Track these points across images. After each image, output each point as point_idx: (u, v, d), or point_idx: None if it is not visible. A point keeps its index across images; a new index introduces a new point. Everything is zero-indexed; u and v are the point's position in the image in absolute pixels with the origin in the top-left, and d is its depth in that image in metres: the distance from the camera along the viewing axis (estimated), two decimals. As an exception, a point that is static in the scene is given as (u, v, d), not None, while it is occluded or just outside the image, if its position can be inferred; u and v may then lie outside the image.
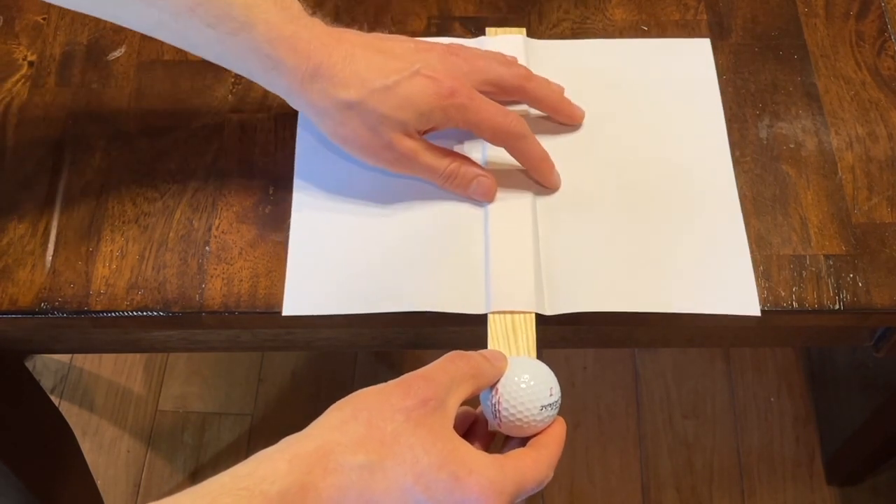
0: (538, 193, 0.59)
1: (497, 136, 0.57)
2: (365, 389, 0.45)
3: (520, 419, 0.48)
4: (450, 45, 0.58)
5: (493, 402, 0.48)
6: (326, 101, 0.54)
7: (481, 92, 0.56)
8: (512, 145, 0.58)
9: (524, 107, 0.62)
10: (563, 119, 0.62)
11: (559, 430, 0.49)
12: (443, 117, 0.55)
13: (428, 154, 0.57)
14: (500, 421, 0.48)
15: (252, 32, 0.52)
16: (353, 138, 0.55)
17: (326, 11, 0.68)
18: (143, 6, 0.52)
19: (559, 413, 0.49)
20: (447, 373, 0.46)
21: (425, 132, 0.57)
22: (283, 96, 0.56)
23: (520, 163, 0.59)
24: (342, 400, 0.45)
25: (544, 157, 0.59)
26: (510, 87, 0.59)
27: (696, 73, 0.65)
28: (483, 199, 0.58)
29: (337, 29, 0.55)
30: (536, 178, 0.60)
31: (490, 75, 0.58)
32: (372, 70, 0.54)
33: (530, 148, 0.58)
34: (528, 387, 0.48)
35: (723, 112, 0.63)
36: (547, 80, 0.61)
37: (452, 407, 0.46)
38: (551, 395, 0.48)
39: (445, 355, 0.48)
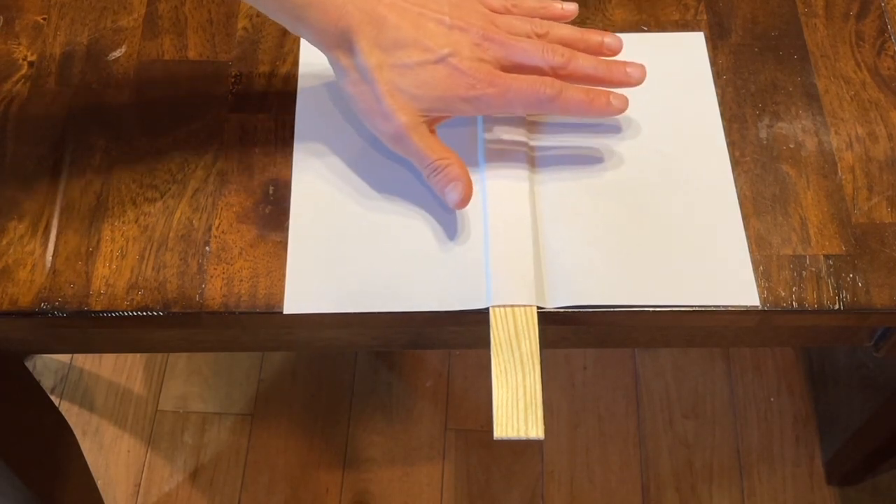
0: (537, 187, 0.59)
1: (531, 108, 0.57)
2: None
3: None
4: (490, 22, 0.56)
5: None
6: (348, 62, 0.55)
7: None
8: (550, 109, 0.57)
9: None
10: (615, 85, 0.59)
11: None
12: (464, 107, 0.55)
13: (423, 139, 0.56)
14: None
15: None
16: (360, 100, 0.56)
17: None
18: None
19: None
20: None
21: (437, 119, 0.56)
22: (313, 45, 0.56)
23: (567, 117, 0.57)
24: None
25: (590, 99, 0.57)
26: (547, 73, 0.57)
27: (690, 67, 0.65)
28: (453, 205, 0.56)
29: None
30: (595, 119, 0.58)
31: (526, 62, 0.56)
32: (399, 44, 0.54)
33: (571, 99, 0.56)
34: None
35: (717, 104, 0.63)
36: (598, 42, 0.59)
37: None
38: None
39: None
